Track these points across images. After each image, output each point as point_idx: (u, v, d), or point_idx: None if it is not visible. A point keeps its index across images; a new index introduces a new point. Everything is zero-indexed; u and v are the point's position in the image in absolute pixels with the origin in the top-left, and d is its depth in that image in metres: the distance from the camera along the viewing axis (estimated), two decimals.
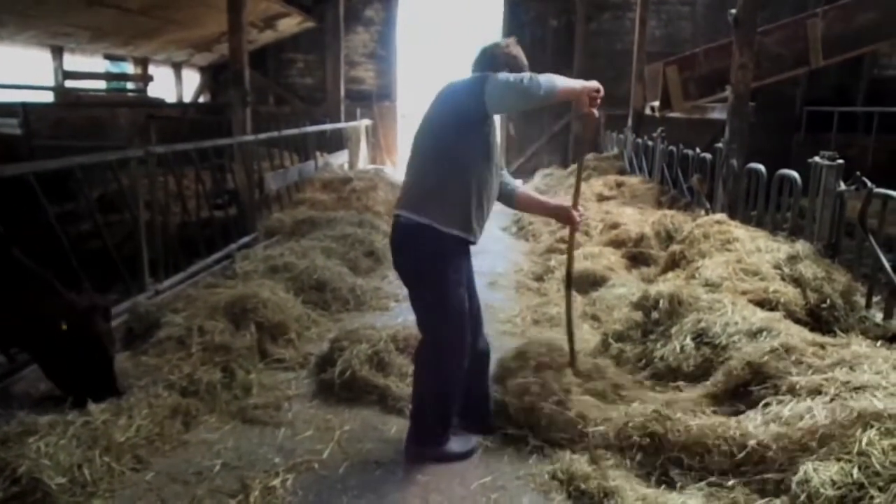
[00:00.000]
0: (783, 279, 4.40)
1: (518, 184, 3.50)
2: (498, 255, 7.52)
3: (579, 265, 6.00)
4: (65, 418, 2.98)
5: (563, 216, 3.46)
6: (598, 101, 2.97)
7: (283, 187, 8.54)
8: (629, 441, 3.06)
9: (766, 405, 3.06)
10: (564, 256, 6.36)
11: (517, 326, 5.03)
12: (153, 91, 12.34)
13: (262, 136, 7.84)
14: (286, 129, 9.29)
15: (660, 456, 2.98)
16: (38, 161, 4.08)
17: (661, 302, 4.19)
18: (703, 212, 6.88)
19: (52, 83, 10.19)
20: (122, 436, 3.01)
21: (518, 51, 3.11)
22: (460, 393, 3.15)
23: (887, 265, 4.14)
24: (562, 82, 2.85)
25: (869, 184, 4.32)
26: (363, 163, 13.05)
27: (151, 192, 5.26)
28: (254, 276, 5.16)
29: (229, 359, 3.78)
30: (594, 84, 2.96)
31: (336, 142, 11.90)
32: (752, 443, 2.80)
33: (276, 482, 2.84)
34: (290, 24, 13.33)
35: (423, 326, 3.09)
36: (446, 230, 2.90)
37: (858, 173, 4.45)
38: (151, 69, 12.76)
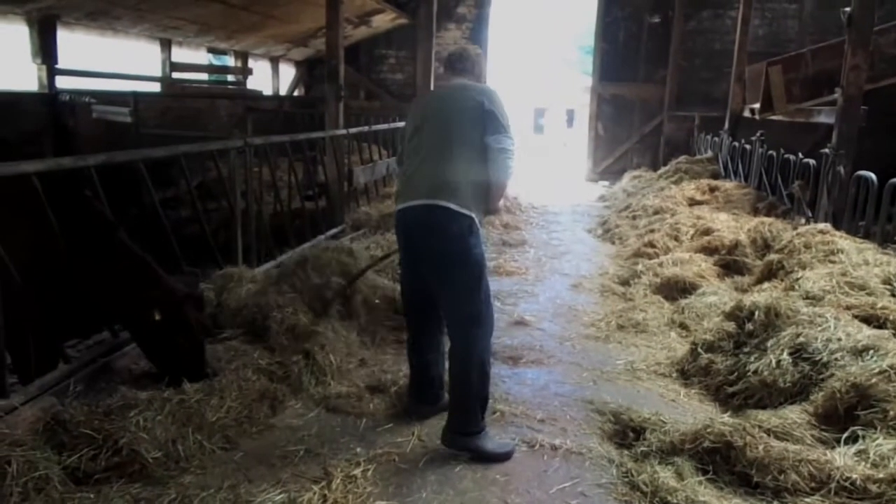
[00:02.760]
0: (893, 295, 4.12)
1: None
2: (582, 256, 7.40)
3: (668, 271, 5.83)
4: (162, 395, 3.13)
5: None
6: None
7: (371, 181, 8.69)
8: (699, 445, 2.97)
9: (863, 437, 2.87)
10: (651, 261, 6.27)
11: (601, 330, 4.92)
12: (251, 84, 12.82)
13: (353, 130, 8.00)
14: (376, 124, 9.45)
15: (731, 467, 2.90)
16: (147, 149, 4.29)
17: (756, 313, 4.00)
18: (803, 220, 6.53)
19: (159, 74, 10.73)
20: (213, 415, 3.14)
21: (479, 57, 3.55)
22: None
23: None
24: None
25: None
26: None
27: (247, 182, 5.46)
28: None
29: (310, 346, 3.87)
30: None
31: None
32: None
33: (358, 472, 2.88)
34: (384, 20, 13.53)
35: (464, 309, 3.15)
36: (475, 215, 3.15)
37: None
38: (251, 63, 13.25)
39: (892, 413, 2.97)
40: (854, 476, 2.69)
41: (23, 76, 8.32)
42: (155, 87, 10.56)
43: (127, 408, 2.98)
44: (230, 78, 13.09)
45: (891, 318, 3.89)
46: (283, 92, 14.62)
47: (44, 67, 8.08)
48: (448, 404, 3.23)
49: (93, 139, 7.66)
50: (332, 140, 7.31)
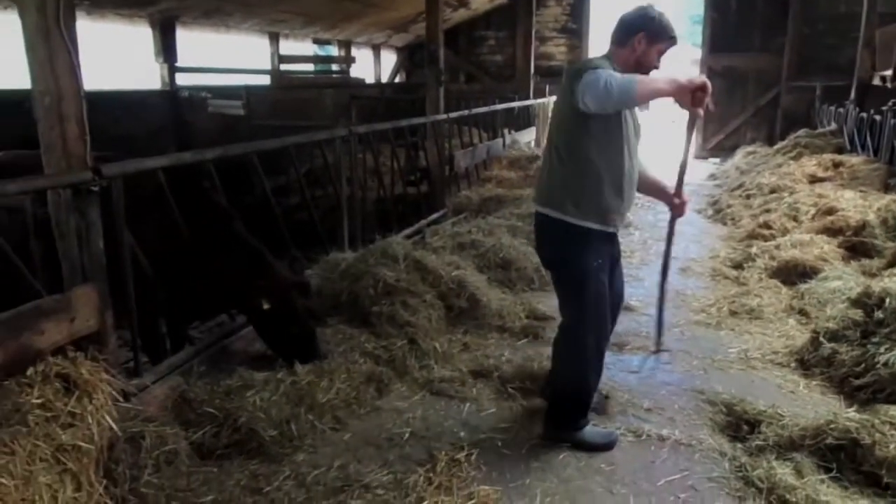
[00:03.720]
0: None
1: (646, 164, 3.26)
2: (691, 238, 7.10)
3: (786, 254, 5.50)
4: (276, 376, 3.29)
5: (665, 200, 3.30)
6: (705, 99, 2.62)
7: (471, 165, 8.70)
8: (821, 441, 2.82)
9: None
10: (767, 243, 5.93)
11: (712, 317, 4.73)
12: (355, 72, 13.12)
13: (454, 114, 8.01)
14: (476, 107, 9.43)
15: (857, 466, 2.72)
16: (259, 141, 4.48)
17: (887, 300, 3.71)
18: None
19: (268, 67, 11.19)
20: (323, 397, 3.27)
21: (656, 13, 2.87)
22: (597, 380, 3.17)
23: None
24: (644, 85, 2.59)
25: None
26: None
27: (352, 169, 5.61)
28: (443, 252, 5.32)
29: (415, 331, 3.96)
30: (700, 80, 2.60)
31: (524, 119, 11.87)
32: None
33: (462, 456, 2.91)
34: (483, 1, 13.45)
35: (564, 310, 3.12)
36: (581, 224, 2.92)
37: None
38: (353, 51, 13.55)
39: None
40: None
41: (147, 75, 8.93)
42: (265, 80, 11.02)
43: (245, 388, 3.15)
44: (334, 67, 13.45)
45: None
46: (384, 79, 14.87)
47: (165, 66, 8.64)
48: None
49: (209, 132, 8.13)
50: (433, 125, 7.37)
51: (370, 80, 14.00)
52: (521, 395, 3.55)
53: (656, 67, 2.92)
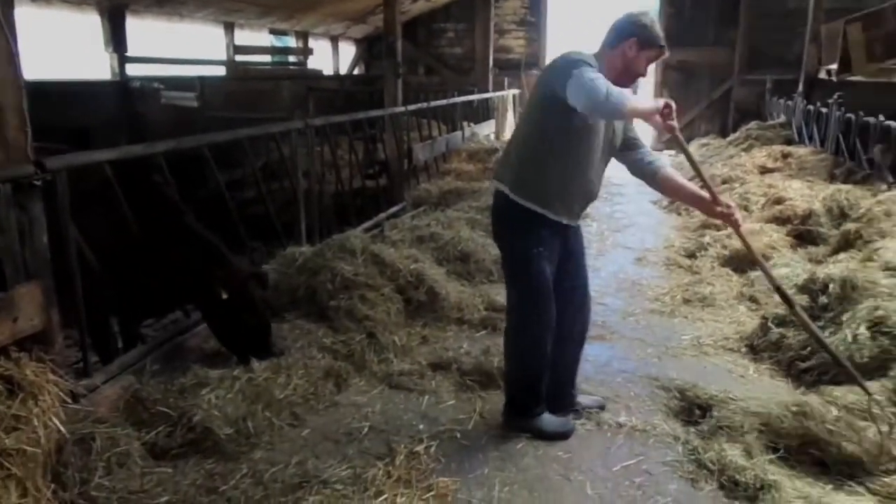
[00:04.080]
0: None
1: (665, 162, 3.23)
2: (647, 229, 7.23)
3: (737, 242, 5.63)
4: (232, 373, 3.25)
5: (713, 212, 3.08)
6: (672, 116, 2.69)
7: (430, 158, 8.69)
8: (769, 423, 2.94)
9: None
10: (719, 233, 6.06)
11: (666, 305, 4.83)
12: (313, 64, 12.97)
13: (412, 107, 7.99)
14: (435, 100, 9.41)
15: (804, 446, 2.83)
16: (212, 133, 4.40)
17: (831, 285, 3.84)
18: (884, 187, 6.18)
19: (224, 58, 10.97)
20: (281, 393, 3.23)
21: (649, 20, 2.90)
22: (547, 369, 3.13)
23: None
24: (632, 104, 2.65)
25: None
26: (510, 133, 12.97)
27: (309, 162, 5.55)
28: (402, 245, 5.31)
29: (374, 325, 3.94)
30: (662, 102, 2.68)
31: (483, 112, 11.90)
32: None
33: (421, 448, 2.92)
34: None
35: (509, 293, 3.14)
36: (528, 205, 2.92)
37: None
38: (311, 42, 13.39)
39: None
40: None
41: (95, 65, 8.67)
42: (220, 71, 10.81)
43: (199, 386, 3.11)
44: (292, 59, 13.27)
45: None
46: (343, 71, 14.74)
47: (115, 56, 8.39)
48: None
49: (162, 124, 7.93)
50: (392, 118, 7.34)
51: (328, 71, 13.86)
52: (479, 386, 3.57)
53: (643, 74, 2.96)
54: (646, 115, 2.70)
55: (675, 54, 13.49)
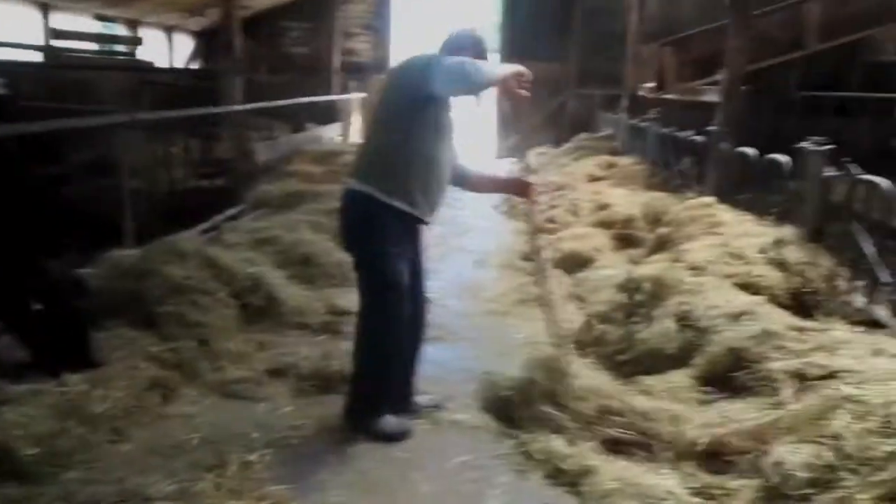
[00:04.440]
0: (768, 263, 4.41)
1: (470, 168, 3.50)
2: (488, 232, 7.51)
3: (567, 246, 6.02)
4: (40, 388, 2.96)
5: (517, 188, 3.45)
6: (526, 84, 2.89)
7: (273, 159, 8.46)
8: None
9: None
10: (553, 236, 6.44)
11: (502, 305, 5.03)
12: (145, 55, 12.15)
13: (253, 105, 7.74)
14: (278, 100, 9.18)
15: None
16: (19, 124, 3.99)
17: (644, 284, 4.18)
18: (692, 195, 6.87)
19: (40, 42, 10.00)
20: (99, 407, 2.98)
21: (480, 37, 3.19)
22: (398, 370, 3.20)
23: (869, 251, 4.15)
24: (498, 71, 2.87)
25: (854, 170, 4.32)
26: (356, 136, 12.94)
27: (138, 160, 5.20)
28: (239, 248, 5.12)
29: (206, 332, 3.77)
30: (519, 68, 2.89)
31: (329, 114, 11.79)
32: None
33: (254, 457, 2.82)
34: None
35: (362, 294, 3.11)
36: (387, 200, 2.95)
37: (845, 159, 4.44)
38: (142, 32, 12.55)
39: (762, 373, 3.19)
40: None
41: None
42: (37, 57, 9.84)
43: None
44: (121, 48, 12.36)
45: (765, 284, 4.17)
46: (178, 64, 13.96)
47: None
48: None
49: None
50: (231, 116, 7.06)
51: (163, 64, 13.06)
52: (318, 391, 3.52)
53: None
54: (508, 80, 2.83)
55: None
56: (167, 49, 13.67)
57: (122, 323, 3.80)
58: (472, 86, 2.84)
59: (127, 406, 3.10)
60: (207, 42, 14.49)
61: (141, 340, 3.60)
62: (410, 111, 2.95)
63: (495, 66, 2.93)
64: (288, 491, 2.65)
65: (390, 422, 3.18)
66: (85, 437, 2.84)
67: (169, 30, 13.54)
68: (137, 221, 5.00)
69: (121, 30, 12.53)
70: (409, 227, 3.10)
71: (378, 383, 3.16)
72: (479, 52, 3.07)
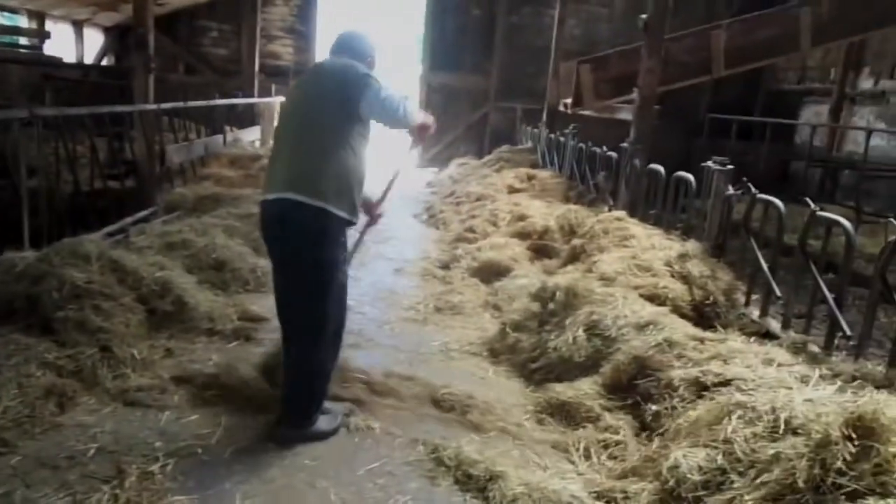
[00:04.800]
0: (673, 276, 4.62)
1: None
2: (407, 241, 7.52)
3: (485, 255, 6.10)
4: None
5: (365, 206, 3.45)
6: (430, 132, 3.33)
7: (187, 161, 8.20)
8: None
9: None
10: (472, 246, 6.52)
11: (420, 313, 5.05)
12: (50, 49, 11.55)
13: (166, 105, 7.49)
14: (194, 101, 8.91)
15: None
16: None
17: (557, 293, 4.31)
18: (606, 208, 7.11)
19: None
20: None
21: (377, 43, 3.31)
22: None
23: (765, 266, 4.41)
24: (419, 118, 3.19)
25: (753, 189, 4.59)
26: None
27: (39, 158, 4.94)
28: (148, 252, 4.93)
29: (109, 338, 3.60)
30: (430, 119, 3.31)
31: (248, 117, 11.54)
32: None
33: (155, 467, 2.73)
34: None
35: (302, 306, 3.05)
36: (338, 213, 2.97)
37: (745, 179, 4.71)
38: (49, 25, 11.93)
39: (664, 381, 3.33)
40: None
41: None
42: None
43: None
44: (24, 41, 11.70)
45: (670, 296, 4.36)
46: (89, 60, 13.34)
47: None
48: (282, 401, 3.15)
49: None
50: (142, 115, 6.80)
51: (71, 59, 12.45)
52: (224, 399, 3.42)
53: None
54: (422, 128, 3.23)
55: (437, 77, 14.41)
56: (76, 44, 13.04)
57: (16, 328, 3.59)
58: (400, 126, 3.13)
59: (18, 416, 2.94)
60: (120, 38, 13.93)
61: (36, 347, 3.40)
62: (352, 124, 3.00)
63: (416, 111, 3.17)
64: (190, 502, 2.58)
65: (323, 420, 3.18)
66: None
67: (78, 24, 12.92)
68: (36, 222, 4.74)
69: (24, 22, 11.86)
70: (344, 232, 3.12)
71: (321, 392, 3.17)
72: (375, 60, 3.24)
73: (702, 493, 2.49)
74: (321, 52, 14.71)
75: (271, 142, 3.60)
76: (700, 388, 3.13)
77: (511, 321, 4.43)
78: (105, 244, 4.42)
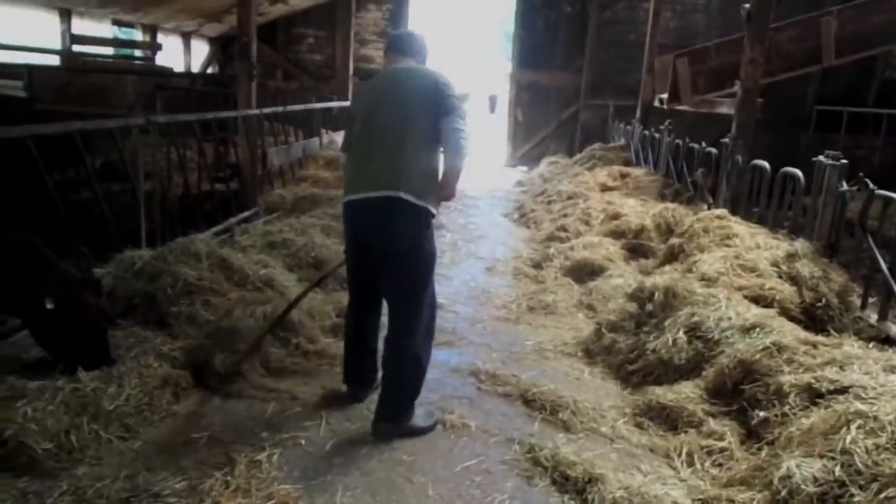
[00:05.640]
0: (780, 277, 4.39)
1: None
2: (498, 240, 7.52)
3: (578, 254, 6.02)
4: (54, 384, 2.99)
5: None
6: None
7: (286, 163, 8.52)
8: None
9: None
10: (564, 245, 6.44)
11: (512, 312, 5.03)
12: (161, 60, 12.28)
13: (267, 110, 7.80)
14: (292, 105, 9.24)
15: None
16: (36, 125, 4.05)
17: (656, 294, 4.19)
18: (705, 206, 6.84)
19: (59, 46, 10.12)
20: (111, 404, 3.02)
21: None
22: None
23: (884, 267, 4.12)
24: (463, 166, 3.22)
25: (871, 185, 4.29)
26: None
27: (153, 163, 5.25)
28: (252, 251, 5.15)
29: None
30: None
31: (343, 120, 11.83)
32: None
33: (262, 456, 2.85)
34: None
35: (408, 299, 3.16)
36: (433, 210, 3.16)
37: (861, 174, 4.41)
38: (160, 38, 12.68)
39: (772, 387, 3.17)
40: None
41: None
42: (54, 61, 9.95)
43: (13, 398, 2.83)
44: (138, 53, 12.49)
45: (777, 297, 4.15)
46: (195, 69, 14.08)
47: None
48: (380, 396, 3.22)
49: None
50: (245, 120, 7.12)
51: (179, 69, 13.18)
52: (325, 393, 3.54)
53: None
54: (456, 178, 3.19)
55: (527, 75, 14.31)
56: (183, 54, 13.79)
57: (134, 322, 3.85)
58: (451, 161, 3.14)
59: (139, 403, 3.14)
60: (223, 47, 14.62)
61: (153, 339, 3.64)
62: (433, 122, 3.12)
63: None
64: (294, 491, 2.67)
65: (419, 416, 3.26)
66: (97, 433, 2.87)
67: (186, 36, 13.66)
68: (151, 223, 5.05)
69: (139, 35, 12.66)
70: None
71: (419, 380, 3.26)
72: (425, 58, 3.44)
73: None
74: None
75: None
76: (813, 395, 2.97)
77: (607, 321, 4.35)
78: (213, 243, 4.64)
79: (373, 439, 3.13)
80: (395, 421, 3.17)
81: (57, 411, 2.84)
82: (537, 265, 6.27)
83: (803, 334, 3.62)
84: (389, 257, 3.12)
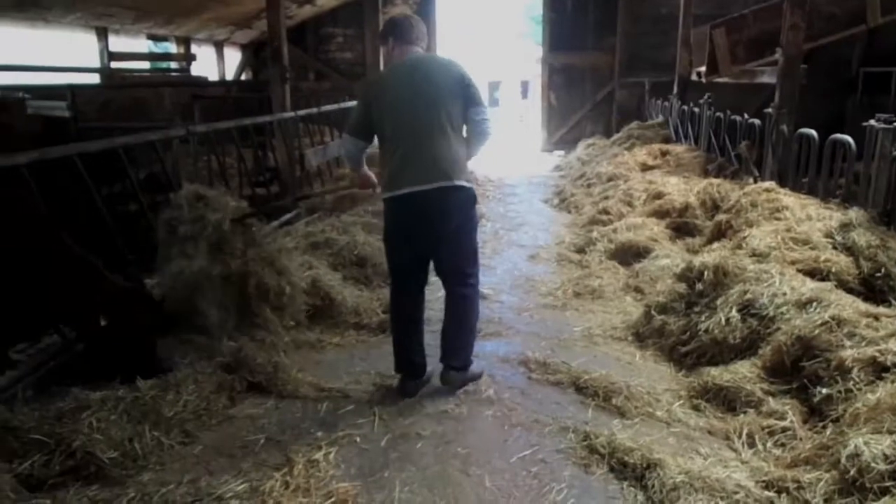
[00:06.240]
0: (835, 248, 4.26)
1: None
2: (539, 227, 7.46)
3: (622, 237, 5.92)
4: (115, 394, 3.08)
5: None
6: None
7: (323, 163, 8.58)
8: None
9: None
10: (607, 228, 6.34)
11: (558, 299, 4.99)
12: (196, 70, 12.49)
13: (302, 112, 7.87)
14: (326, 105, 9.30)
15: None
16: (81, 143, 4.15)
17: (705, 273, 4.09)
18: (751, 180, 6.66)
19: (97, 65, 10.37)
20: (170, 410, 3.10)
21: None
22: None
23: None
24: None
25: None
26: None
27: (194, 171, 5.35)
28: (295, 252, 5.21)
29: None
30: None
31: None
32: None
33: (319, 455, 2.89)
34: None
35: (470, 262, 3.52)
36: (472, 188, 3.50)
37: None
38: (193, 48, 12.89)
39: (834, 363, 3.07)
40: None
41: None
42: (94, 79, 10.21)
43: (79, 410, 2.93)
44: (173, 65, 12.73)
45: (833, 270, 4.02)
46: (229, 77, 14.29)
47: None
48: (450, 347, 3.50)
49: (31, 136, 7.39)
50: (280, 123, 7.20)
51: (214, 77, 13.40)
52: (376, 388, 3.56)
53: None
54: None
55: (559, 58, 14.12)
56: (217, 63, 14.00)
57: (187, 328, 3.92)
58: (474, 143, 3.45)
59: (196, 409, 3.21)
60: (255, 53, 14.80)
61: (208, 346, 3.70)
62: (461, 106, 3.36)
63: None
64: (353, 488, 2.70)
65: (475, 364, 3.63)
66: (159, 440, 2.94)
67: (218, 44, 13.86)
68: None
69: (172, 48, 12.90)
70: None
71: (476, 331, 3.69)
72: (427, 43, 3.57)
73: (889, 483, 2.28)
74: (440, 48, 14.89)
75: None
76: (879, 370, 2.87)
77: (656, 303, 4.27)
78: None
79: (426, 434, 3.13)
80: (463, 368, 3.50)
81: (120, 420, 2.93)
82: (580, 250, 6.20)
83: (863, 306, 3.50)
84: (449, 234, 3.38)
